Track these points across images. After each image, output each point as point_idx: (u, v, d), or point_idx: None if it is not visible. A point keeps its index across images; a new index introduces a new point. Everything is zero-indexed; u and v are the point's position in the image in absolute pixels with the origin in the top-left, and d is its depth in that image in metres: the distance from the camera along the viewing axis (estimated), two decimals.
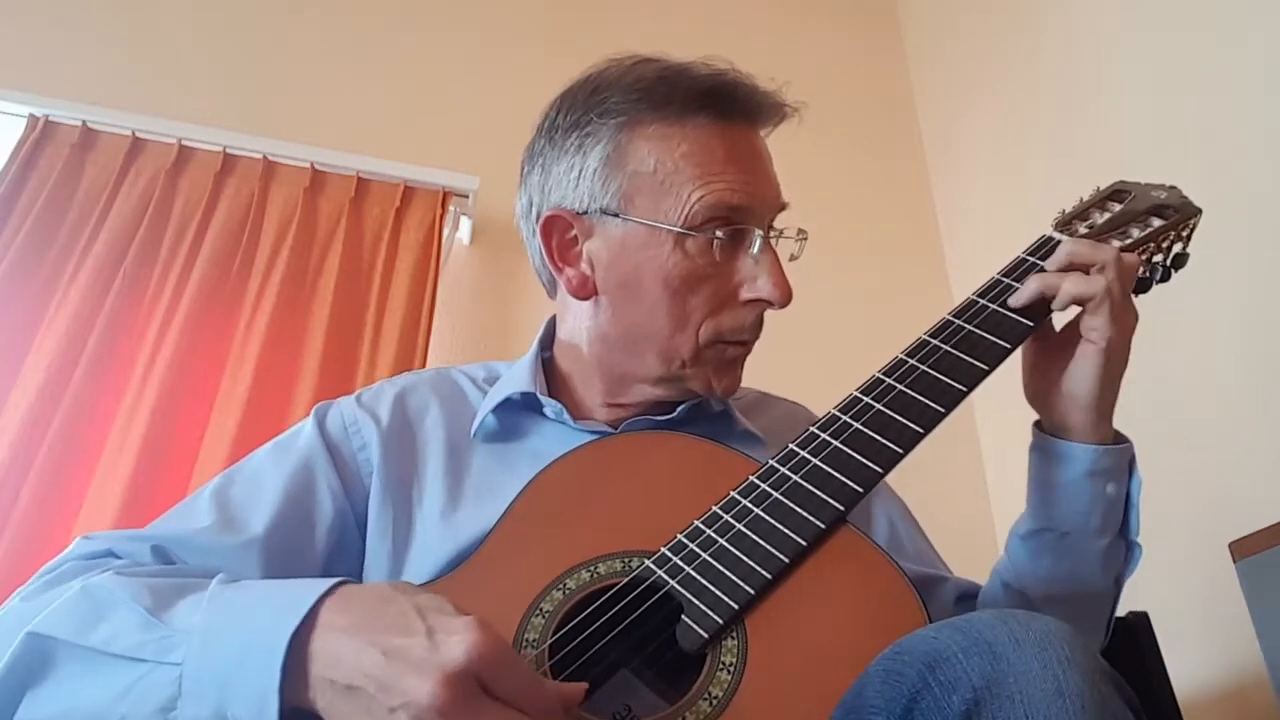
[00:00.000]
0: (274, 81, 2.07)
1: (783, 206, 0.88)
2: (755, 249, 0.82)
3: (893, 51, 2.63)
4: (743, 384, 1.02)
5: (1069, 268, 0.79)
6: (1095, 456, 0.79)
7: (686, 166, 0.81)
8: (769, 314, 0.86)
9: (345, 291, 1.79)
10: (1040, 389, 0.83)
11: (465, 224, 2.02)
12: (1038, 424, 0.84)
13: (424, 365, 1.76)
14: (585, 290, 0.86)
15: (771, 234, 0.86)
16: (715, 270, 0.82)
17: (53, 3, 1.99)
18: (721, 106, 0.83)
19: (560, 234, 0.87)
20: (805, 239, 0.90)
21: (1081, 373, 0.78)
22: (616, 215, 0.83)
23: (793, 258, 0.89)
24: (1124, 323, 0.77)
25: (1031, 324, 0.78)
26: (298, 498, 0.81)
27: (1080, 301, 0.78)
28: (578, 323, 0.90)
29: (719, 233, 0.81)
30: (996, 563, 0.90)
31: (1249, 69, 1.47)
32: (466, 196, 1.97)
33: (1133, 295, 0.81)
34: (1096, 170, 1.79)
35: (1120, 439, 0.82)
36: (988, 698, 0.48)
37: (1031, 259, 0.84)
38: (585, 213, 0.84)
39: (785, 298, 0.82)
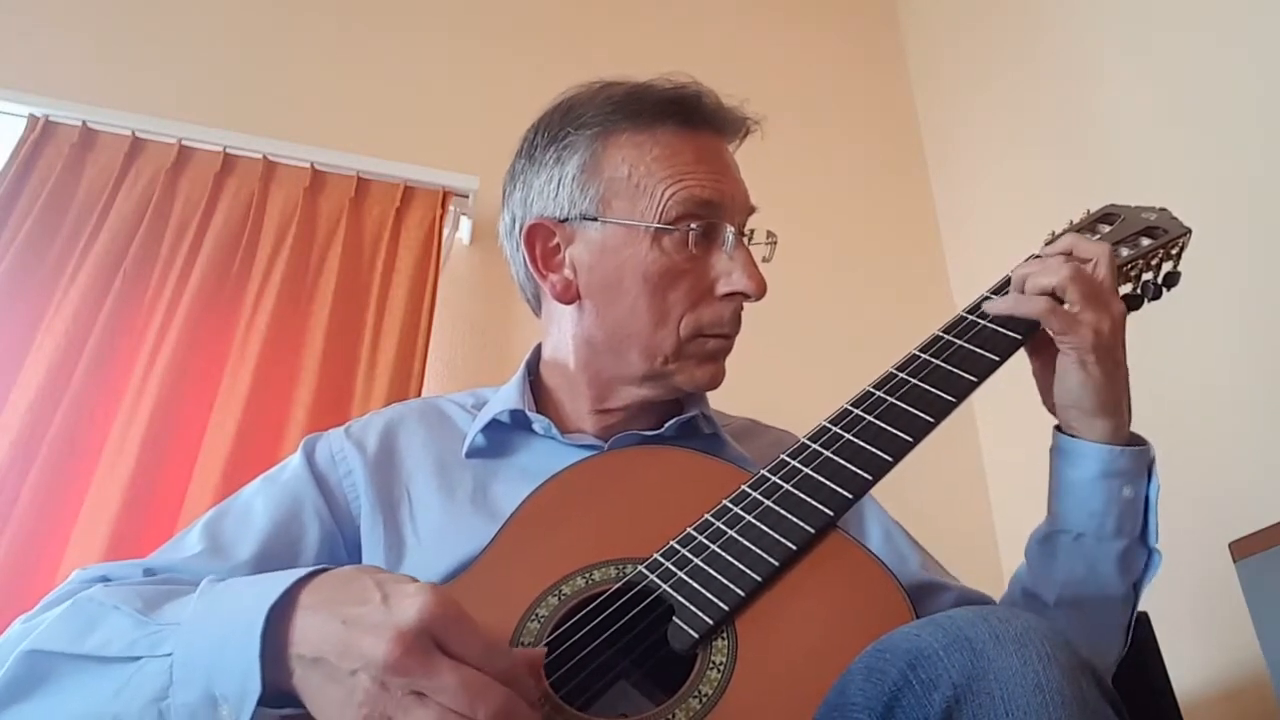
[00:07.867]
0: (274, 81, 2.07)
1: (752, 209, 0.91)
2: (728, 244, 0.86)
3: (893, 54, 2.63)
4: (735, 411, 1.03)
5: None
6: (1110, 457, 0.79)
7: (659, 168, 0.85)
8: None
9: (345, 291, 1.79)
10: (1047, 398, 0.85)
11: (465, 224, 2.02)
12: (1057, 426, 0.85)
13: (424, 364, 1.76)
14: (569, 295, 0.89)
15: (743, 236, 0.89)
16: (692, 265, 0.85)
17: (53, 3, 1.99)
18: (687, 114, 0.88)
19: (543, 242, 0.90)
20: (775, 242, 0.94)
21: (1068, 381, 0.79)
22: (595, 219, 0.87)
23: (764, 260, 0.92)
24: (1098, 321, 0.78)
25: (1019, 336, 0.79)
26: (284, 526, 0.83)
27: (1050, 294, 0.79)
28: (563, 332, 0.92)
29: (693, 226, 0.84)
30: (1017, 568, 0.90)
31: (1248, 70, 1.47)
32: (466, 196, 1.97)
33: (1122, 299, 0.81)
34: (1097, 171, 1.80)
35: (1138, 440, 0.82)
36: (968, 695, 0.48)
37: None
38: (566, 220, 0.88)
39: (760, 289, 0.86)
